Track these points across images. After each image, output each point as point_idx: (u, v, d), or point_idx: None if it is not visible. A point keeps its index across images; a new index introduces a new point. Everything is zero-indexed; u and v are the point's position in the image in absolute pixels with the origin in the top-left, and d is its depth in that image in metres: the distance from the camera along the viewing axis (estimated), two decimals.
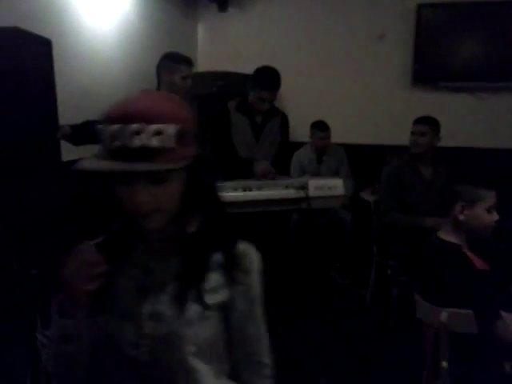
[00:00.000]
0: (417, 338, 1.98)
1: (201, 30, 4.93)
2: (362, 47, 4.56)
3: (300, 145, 4.21)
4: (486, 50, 4.24)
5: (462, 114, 4.37)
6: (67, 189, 2.42)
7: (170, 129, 0.88)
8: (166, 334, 0.99)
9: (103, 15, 3.26)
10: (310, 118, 4.19)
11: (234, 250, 1.06)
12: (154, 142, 0.87)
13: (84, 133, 2.42)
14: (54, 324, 0.99)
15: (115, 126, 0.87)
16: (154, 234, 1.01)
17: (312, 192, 2.81)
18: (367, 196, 3.76)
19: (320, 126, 4.12)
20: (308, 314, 3.48)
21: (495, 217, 1.86)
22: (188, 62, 3.03)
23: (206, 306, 1.01)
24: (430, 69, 4.42)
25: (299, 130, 4.10)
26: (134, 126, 0.86)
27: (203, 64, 4.76)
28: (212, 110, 3.40)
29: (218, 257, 1.04)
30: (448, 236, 1.90)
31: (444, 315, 1.72)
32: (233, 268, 1.04)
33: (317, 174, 4.04)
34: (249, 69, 3.29)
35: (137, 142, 0.86)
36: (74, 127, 2.53)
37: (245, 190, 2.77)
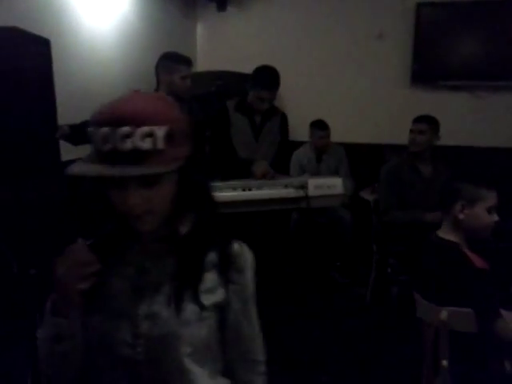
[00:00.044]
0: (417, 336, 1.98)
1: (200, 30, 4.93)
2: (362, 47, 4.56)
3: (299, 144, 4.21)
4: (485, 48, 4.24)
5: (462, 112, 4.37)
6: (66, 189, 2.41)
7: (161, 130, 0.87)
8: (163, 334, 0.99)
9: (102, 15, 3.26)
10: (310, 118, 4.19)
11: (229, 250, 1.06)
12: (145, 144, 0.86)
13: (83, 133, 2.41)
14: (47, 323, 0.98)
15: (105, 129, 0.86)
16: (148, 234, 1.01)
17: (311, 191, 2.81)
18: (367, 195, 3.77)
19: (320, 125, 4.12)
20: (308, 312, 3.48)
21: (495, 217, 1.85)
22: (187, 61, 3.03)
23: (202, 307, 1.01)
24: (429, 68, 4.42)
25: (299, 130, 4.10)
26: (124, 129, 0.85)
27: (202, 64, 4.76)
28: (211, 110, 3.40)
29: (212, 256, 1.04)
30: (447, 235, 1.90)
31: (444, 314, 1.72)
32: (228, 267, 1.04)
33: (316, 173, 4.04)
34: (248, 68, 3.29)
35: (127, 145, 0.85)
36: (72, 127, 2.53)
37: (244, 190, 2.77)
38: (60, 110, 2.69)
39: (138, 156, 0.86)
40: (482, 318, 1.68)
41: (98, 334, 1.00)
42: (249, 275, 1.08)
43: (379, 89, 4.57)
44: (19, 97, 2.37)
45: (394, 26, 4.45)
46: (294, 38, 4.67)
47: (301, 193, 2.81)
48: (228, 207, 2.61)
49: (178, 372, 1.01)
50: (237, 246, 1.07)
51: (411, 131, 3.25)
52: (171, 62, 2.96)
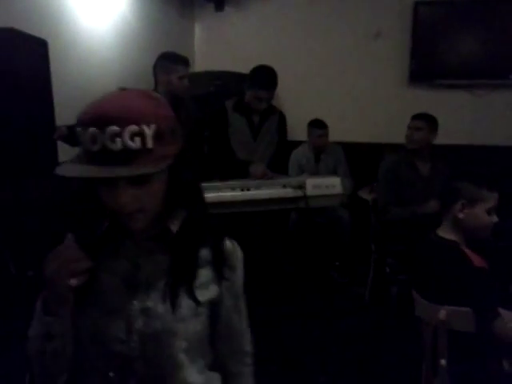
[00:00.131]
0: (416, 336, 1.98)
1: (198, 30, 4.92)
2: (359, 46, 4.57)
3: (298, 144, 4.21)
4: (483, 47, 4.25)
5: (460, 111, 4.38)
6: (64, 190, 2.41)
7: (149, 129, 0.87)
8: (158, 330, 0.99)
9: (100, 15, 3.25)
10: (308, 117, 4.19)
11: (221, 247, 1.07)
12: (134, 144, 0.85)
13: None
14: (38, 322, 0.98)
15: (92, 129, 0.85)
16: (140, 232, 1.00)
17: (310, 191, 2.81)
18: (365, 194, 3.76)
19: (318, 124, 4.12)
20: (307, 312, 3.48)
21: (494, 219, 1.85)
22: (185, 61, 3.02)
23: (198, 303, 1.02)
24: (427, 67, 4.43)
25: (297, 130, 4.09)
26: (113, 129, 0.84)
27: (200, 64, 4.75)
28: (209, 110, 3.40)
29: (205, 253, 1.05)
30: (447, 234, 1.89)
31: (442, 313, 1.72)
32: (221, 264, 1.06)
33: (315, 172, 4.04)
34: (246, 68, 3.29)
35: (117, 144, 0.84)
36: (70, 128, 2.52)
37: (243, 190, 2.77)
38: (58, 110, 2.69)
39: (127, 156, 0.85)
40: (480, 318, 1.68)
41: (90, 331, 1.00)
42: (239, 272, 1.11)
43: (377, 88, 4.58)
44: (17, 98, 2.36)
45: (391, 24, 4.46)
46: (291, 38, 4.67)
47: (299, 193, 2.81)
48: (227, 207, 2.61)
49: (172, 368, 1.02)
50: (229, 244, 1.09)
51: (408, 128, 3.28)
52: (169, 62, 2.96)
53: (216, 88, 4.20)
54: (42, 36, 2.54)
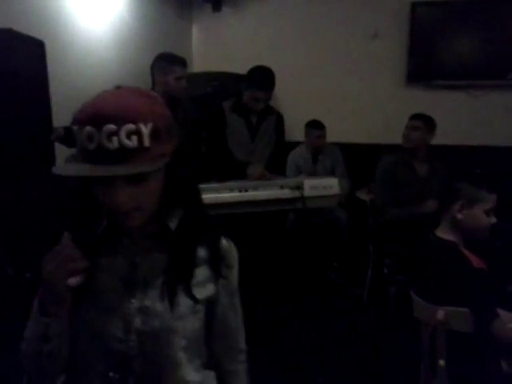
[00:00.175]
0: (414, 336, 1.98)
1: (195, 31, 4.92)
2: (357, 46, 4.56)
3: (295, 145, 4.21)
4: (480, 47, 4.25)
5: (457, 111, 4.38)
6: (61, 190, 2.41)
7: (146, 127, 0.86)
8: (157, 329, 1.00)
9: (97, 16, 3.25)
10: (305, 118, 4.18)
11: (219, 245, 1.08)
12: (131, 142, 0.85)
13: None
14: (35, 323, 0.97)
15: (89, 128, 0.84)
16: (137, 230, 1.00)
17: (307, 192, 2.81)
18: (363, 195, 3.77)
19: (315, 125, 4.12)
20: (305, 313, 3.48)
21: (493, 220, 1.85)
22: (182, 62, 3.02)
23: (196, 300, 1.03)
24: (424, 67, 4.42)
25: (294, 130, 4.09)
26: (109, 127, 0.83)
27: (198, 64, 4.75)
28: (207, 111, 3.39)
29: (202, 252, 1.06)
30: (446, 234, 1.89)
31: (441, 314, 1.72)
32: (219, 263, 1.07)
33: (312, 173, 4.03)
34: (243, 69, 3.29)
35: (114, 143, 0.84)
36: (67, 129, 2.52)
37: (240, 191, 2.77)
38: (55, 111, 2.68)
39: (124, 154, 0.85)
40: (479, 318, 1.68)
41: (88, 331, 1.00)
42: (235, 271, 1.12)
43: (375, 89, 4.58)
44: (14, 99, 2.36)
45: (389, 25, 4.45)
46: (289, 38, 4.67)
47: (297, 193, 2.82)
48: (224, 208, 2.61)
49: (170, 366, 1.03)
50: (225, 242, 1.10)
51: (406, 127, 3.30)
52: (166, 62, 2.95)
53: (213, 89, 4.20)
54: (40, 37, 2.53)
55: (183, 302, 1.01)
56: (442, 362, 1.76)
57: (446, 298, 1.74)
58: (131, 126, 0.85)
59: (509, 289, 2.34)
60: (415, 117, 3.28)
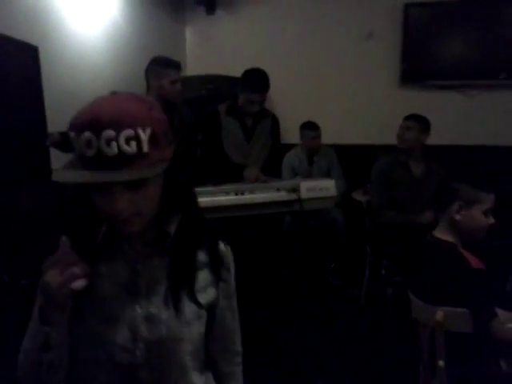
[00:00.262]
0: (412, 337, 1.98)
1: (189, 34, 4.91)
2: (350, 47, 4.57)
3: (291, 147, 4.21)
4: (474, 47, 4.26)
5: (451, 111, 4.39)
6: (57, 197, 2.39)
7: (144, 133, 0.86)
8: (164, 336, 0.99)
9: (90, 20, 3.24)
10: (300, 120, 4.18)
11: (218, 248, 1.09)
12: (130, 148, 0.85)
13: None
14: (35, 332, 0.95)
15: (87, 134, 0.84)
16: (136, 236, 1.00)
17: (304, 194, 2.81)
18: (359, 196, 3.77)
19: (310, 126, 4.12)
20: (302, 315, 3.47)
21: (491, 220, 1.85)
22: (176, 66, 3.01)
23: (199, 305, 1.03)
24: (418, 67, 4.44)
25: (290, 132, 4.09)
26: (108, 133, 0.83)
27: (192, 67, 4.74)
28: (201, 114, 3.39)
29: (202, 256, 1.06)
30: (444, 235, 1.89)
31: (440, 314, 1.72)
32: (219, 266, 1.08)
33: (308, 175, 4.04)
34: (238, 71, 3.28)
35: (113, 149, 0.83)
36: (63, 134, 2.51)
37: (237, 194, 2.76)
38: (49, 116, 2.68)
39: (122, 160, 0.85)
40: (477, 318, 1.68)
41: (91, 340, 0.99)
42: (233, 273, 1.13)
43: (369, 89, 4.58)
44: (7, 104, 2.36)
45: (382, 26, 4.46)
46: (283, 41, 4.67)
47: (293, 196, 2.81)
48: (221, 212, 2.60)
49: (178, 372, 1.03)
50: (223, 246, 1.11)
51: (400, 127, 3.30)
52: (160, 66, 2.95)
53: (208, 92, 4.20)
54: (33, 42, 2.52)
55: (188, 307, 1.02)
56: (441, 363, 1.76)
57: (445, 298, 1.74)
58: (130, 132, 0.84)
59: (507, 288, 2.34)
60: (409, 117, 3.29)
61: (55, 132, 2.53)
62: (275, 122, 3.40)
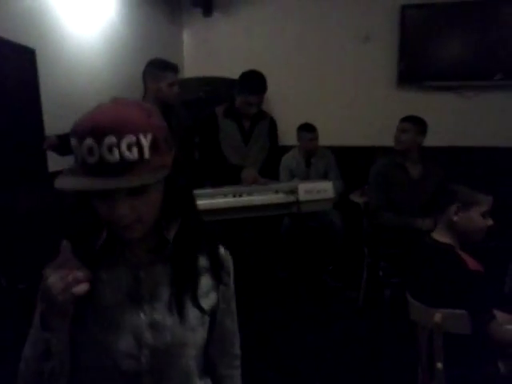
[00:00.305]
0: (411, 339, 1.98)
1: (186, 36, 4.91)
2: (348, 49, 4.58)
3: (289, 149, 4.21)
4: (470, 49, 4.28)
5: (448, 112, 4.41)
6: (54, 201, 2.39)
7: (146, 139, 0.87)
8: (169, 343, 1.00)
9: (87, 23, 3.23)
10: (298, 122, 4.18)
11: (218, 253, 1.11)
12: (132, 154, 0.85)
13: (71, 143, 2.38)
14: (36, 339, 0.94)
15: (89, 141, 0.84)
16: (137, 242, 1.00)
17: (302, 196, 2.80)
18: (357, 198, 3.77)
19: (307, 128, 4.12)
20: (300, 317, 3.47)
21: (489, 222, 1.85)
22: (174, 68, 3.01)
23: (203, 311, 1.04)
24: (415, 68, 4.45)
25: (287, 134, 4.09)
26: (110, 140, 0.83)
27: (189, 69, 4.75)
28: (199, 116, 3.39)
29: (203, 260, 1.07)
30: (441, 236, 1.89)
31: (438, 316, 1.72)
32: (220, 270, 1.09)
33: (306, 177, 4.04)
34: (235, 73, 3.29)
35: (114, 156, 0.84)
36: (60, 137, 2.50)
37: (235, 196, 2.76)
38: (47, 120, 2.67)
39: (124, 166, 0.85)
40: (476, 320, 1.68)
41: (94, 347, 0.98)
42: (232, 277, 1.14)
43: (366, 91, 4.59)
44: (4, 107, 2.35)
45: (379, 27, 4.47)
46: (280, 42, 4.68)
47: (291, 198, 2.81)
48: (219, 214, 2.60)
49: (182, 378, 1.04)
50: (222, 250, 1.12)
51: (396, 129, 3.30)
52: (158, 69, 2.94)
53: (205, 94, 4.20)
54: (30, 45, 2.52)
55: (192, 313, 1.03)
56: (439, 365, 1.76)
57: (443, 300, 1.74)
58: (131, 138, 0.85)
59: (505, 290, 2.34)
60: (405, 119, 3.29)
61: (52, 135, 2.52)
62: (273, 124, 3.40)
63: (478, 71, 4.30)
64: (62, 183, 0.87)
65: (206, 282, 1.07)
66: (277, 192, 2.86)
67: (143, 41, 3.93)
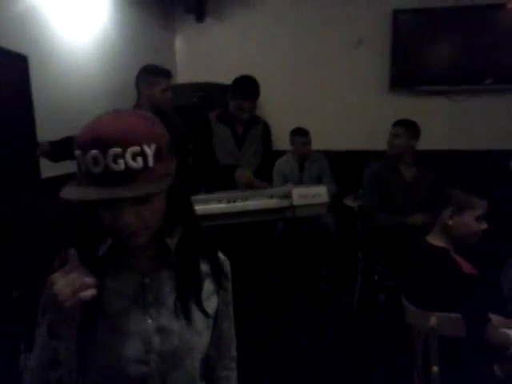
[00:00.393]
0: (406, 343, 1.98)
1: (179, 42, 4.92)
2: (340, 54, 4.61)
3: (283, 153, 4.22)
4: (461, 53, 4.33)
5: (440, 116, 4.45)
6: (47, 206, 2.37)
7: (150, 148, 0.88)
8: (177, 347, 1.02)
9: (80, 29, 3.23)
10: (291, 127, 4.18)
11: (218, 258, 1.13)
12: (137, 163, 0.86)
13: (64, 149, 2.38)
14: (42, 348, 0.94)
15: (94, 152, 0.85)
16: (141, 250, 1.01)
17: (296, 200, 2.80)
18: (350, 202, 3.78)
19: (300, 132, 4.13)
20: (295, 321, 3.47)
21: (483, 226, 1.86)
22: (167, 74, 3.01)
23: (207, 315, 1.07)
24: (407, 73, 4.48)
25: (281, 139, 4.10)
26: (115, 150, 0.84)
27: (182, 75, 4.75)
28: (192, 122, 3.39)
29: (204, 266, 1.09)
30: (436, 240, 1.90)
31: (433, 320, 1.72)
32: (220, 275, 1.11)
33: (299, 181, 4.04)
34: (228, 79, 3.29)
35: (119, 165, 0.85)
36: (53, 143, 2.49)
37: (229, 202, 2.76)
38: (39, 126, 2.66)
39: (129, 176, 0.86)
40: (471, 324, 1.69)
41: (103, 355, 0.99)
42: (230, 281, 1.17)
43: (359, 95, 4.62)
44: None
45: (372, 32, 4.51)
46: (272, 48, 4.69)
47: (286, 202, 2.81)
48: (213, 220, 2.59)
49: (188, 380, 1.06)
50: (221, 255, 1.15)
51: (389, 134, 3.31)
52: (151, 75, 2.94)
53: (198, 99, 4.20)
54: (22, 51, 2.51)
55: (197, 317, 1.05)
56: (435, 368, 1.76)
57: (438, 304, 1.74)
58: (136, 148, 0.86)
59: (504, 292, 2.35)
60: (397, 123, 3.30)
61: (45, 141, 2.51)
62: (266, 129, 3.40)
63: (469, 76, 4.35)
64: (67, 194, 0.87)
65: (207, 286, 1.09)
66: (271, 197, 2.86)
67: (136, 47, 3.93)
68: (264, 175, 3.28)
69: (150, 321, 1.01)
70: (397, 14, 4.36)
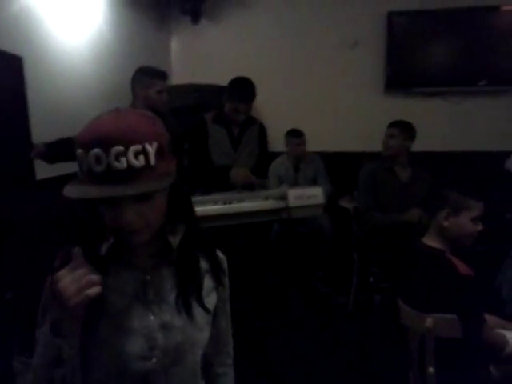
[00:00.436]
0: (402, 344, 1.98)
1: (174, 43, 4.92)
2: (336, 55, 4.62)
3: (278, 155, 4.22)
4: (456, 55, 4.36)
5: (435, 118, 4.46)
6: (42, 208, 2.37)
7: (151, 147, 0.88)
8: (180, 343, 1.03)
9: (75, 30, 3.22)
10: (287, 128, 4.19)
11: (217, 255, 1.15)
12: (139, 162, 0.87)
13: (60, 150, 2.37)
14: (46, 346, 0.94)
15: (96, 150, 0.85)
16: (142, 248, 1.02)
17: (292, 202, 2.80)
18: (346, 203, 3.78)
19: (295, 133, 4.13)
20: (291, 322, 3.47)
21: (479, 227, 1.86)
22: (162, 75, 3.01)
23: (208, 311, 1.09)
24: (402, 75, 4.50)
25: (276, 141, 4.10)
26: (117, 149, 0.85)
27: (177, 77, 4.74)
28: (188, 123, 3.38)
29: (203, 263, 1.11)
30: (432, 241, 1.90)
31: (429, 321, 1.72)
32: (219, 271, 1.13)
33: (294, 183, 4.04)
34: (224, 80, 3.29)
35: (122, 164, 0.85)
36: (48, 145, 2.48)
37: (225, 203, 2.76)
38: (34, 127, 2.65)
39: (131, 174, 0.87)
40: (467, 324, 1.69)
41: (106, 353, 1.00)
42: (227, 278, 1.18)
43: (354, 97, 4.63)
44: None
45: (367, 34, 4.52)
46: (268, 49, 4.70)
47: (281, 204, 2.81)
48: (209, 221, 2.59)
49: (191, 377, 1.09)
50: (219, 252, 1.17)
51: (385, 135, 3.32)
52: (146, 76, 2.93)
53: (194, 100, 4.19)
54: (17, 52, 2.50)
55: (198, 314, 1.07)
56: (431, 369, 1.76)
57: (434, 305, 1.75)
58: (138, 147, 0.87)
59: (503, 293, 2.36)
60: (392, 124, 3.31)
61: (40, 143, 2.50)
62: (262, 130, 3.41)
63: (464, 77, 4.37)
64: (69, 192, 0.88)
65: (207, 283, 1.10)
66: (267, 198, 2.86)
67: (131, 48, 3.92)
68: (260, 176, 3.28)
69: (152, 317, 1.02)
70: (392, 16, 4.38)
